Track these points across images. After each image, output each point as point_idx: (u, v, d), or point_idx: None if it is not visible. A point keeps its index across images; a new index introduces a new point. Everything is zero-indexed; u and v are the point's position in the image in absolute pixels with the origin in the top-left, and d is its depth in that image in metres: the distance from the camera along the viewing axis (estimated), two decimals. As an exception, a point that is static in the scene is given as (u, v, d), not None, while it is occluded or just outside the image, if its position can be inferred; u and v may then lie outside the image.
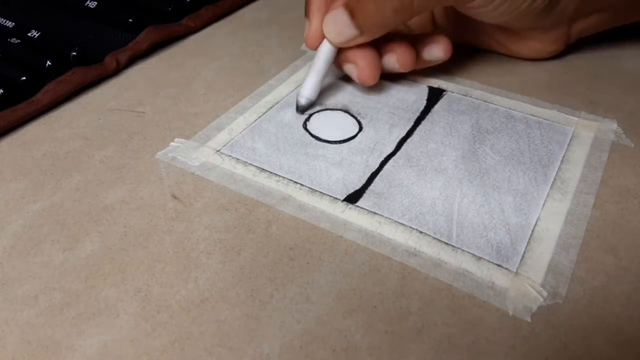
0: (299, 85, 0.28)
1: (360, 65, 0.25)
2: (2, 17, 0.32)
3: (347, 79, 0.28)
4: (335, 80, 0.28)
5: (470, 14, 0.25)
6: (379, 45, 0.25)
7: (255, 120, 0.26)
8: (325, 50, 0.25)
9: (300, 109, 0.26)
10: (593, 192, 0.21)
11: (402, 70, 0.26)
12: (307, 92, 0.25)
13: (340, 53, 0.25)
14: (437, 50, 0.26)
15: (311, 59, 0.30)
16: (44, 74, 0.28)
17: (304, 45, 0.32)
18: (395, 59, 0.25)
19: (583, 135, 0.24)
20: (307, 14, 0.25)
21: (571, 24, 0.27)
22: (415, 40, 0.26)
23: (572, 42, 0.29)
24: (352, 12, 0.23)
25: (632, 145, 0.24)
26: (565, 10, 0.25)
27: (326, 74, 0.26)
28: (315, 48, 0.25)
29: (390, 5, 0.22)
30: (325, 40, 0.25)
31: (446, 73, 0.29)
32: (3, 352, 0.16)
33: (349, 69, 0.25)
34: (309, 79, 0.25)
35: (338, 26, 0.23)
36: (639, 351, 0.16)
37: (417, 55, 0.26)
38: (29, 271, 0.19)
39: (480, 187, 0.22)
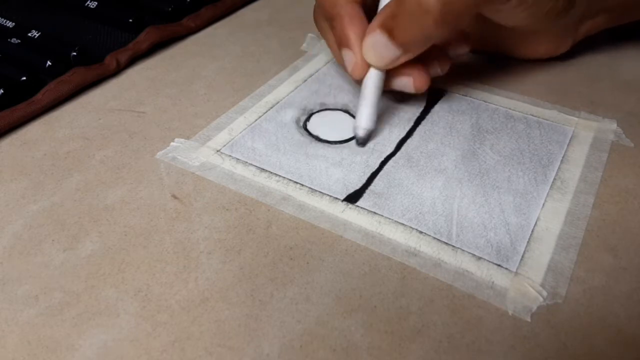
0: (298, 85, 0.28)
1: (416, 76, 0.24)
2: (2, 17, 0.32)
3: (346, 78, 0.28)
4: (336, 80, 0.28)
5: (496, 17, 0.24)
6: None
7: (255, 120, 0.26)
8: (373, 76, 0.23)
9: (361, 142, 0.24)
10: (593, 192, 0.21)
11: (415, 92, 0.25)
12: (364, 122, 0.23)
13: (389, 71, 0.24)
14: (461, 47, 0.26)
15: (311, 58, 0.30)
16: (44, 74, 0.28)
17: (304, 45, 0.32)
18: (412, 82, 0.24)
19: (583, 135, 0.24)
20: (345, 44, 0.23)
21: (579, 25, 0.27)
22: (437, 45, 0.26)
23: (579, 40, 0.29)
24: (390, 33, 0.22)
25: (632, 145, 0.24)
26: (577, 11, 0.25)
27: (379, 100, 0.24)
28: (363, 77, 0.24)
29: (431, 18, 0.21)
30: (371, 67, 0.23)
31: (446, 73, 0.29)
32: (3, 352, 0.16)
33: (402, 83, 0.24)
34: (364, 109, 0.23)
35: (379, 50, 0.22)
36: (639, 351, 0.16)
37: (443, 55, 0.26)
38: (29, 271, 0.19)
39: (480, 187, 0.22)
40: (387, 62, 0.23)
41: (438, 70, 0.25)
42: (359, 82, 0.25)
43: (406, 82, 0.24)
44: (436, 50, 0.25)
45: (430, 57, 0.25)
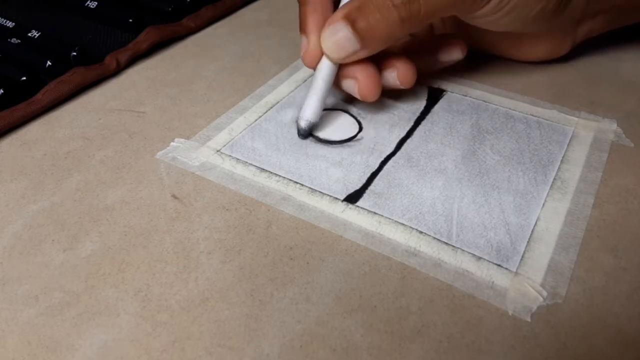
0: (298, 85, 0.28)
1: (360, 80, 0.23)
2: (2, 17, 0.32)
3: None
4: (335, 80, 0.28)
5: (476, 24, 0.24)
6: (377, 60, 0.24)
7: (256, 120, 0.26)
8: (325, 68, 0.23)
9: (302, 133, 0.24)
10: (593, 192, 0.21)
11: (403, 87, 0.24)
12: (308, 113, 0.23)
13: (338, 69, 0.23)
14: (455, 52, 0.26)
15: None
16: (44, 74, 0.28)
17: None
18: (396, 74, 0.24)
19: (583, 136, 0.24)
20: (302, 29, 0.23)
21: (577, 26, 0.27)
22: (429, 44, 0.26)
23: (578, 44, 0.28)
24: (353, 24, 0.21)
25: (632, 145, 0.24)
26: (573, 13, 0.25)
27: (327, 94, 0.23)
28: (314, 66, 0.23)
29: (397, 15, 0.21)
30: (324, 58, 0.23)
31: (446, 73, 0.29)
32: (3, 352, 0.16)
33: (349, 85, 0.24)
34: (309, 100, 0.23)
35: (339, 40, 0.21)
36: (639, 351, 0.16)
37: (434, 57, 0.25)
38: (29, 271, 0.19)
39: (480, 187, 0.22)
40: (344, 55, 0.22)
41: (396, 82, 0.24)
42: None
43: (352, 86, 0.24)
44: (400, 59, 0.24)
45: (389, 65, 0.24)
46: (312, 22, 0.23)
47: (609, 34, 0.30)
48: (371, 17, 0.21)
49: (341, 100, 0.27)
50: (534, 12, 0.23)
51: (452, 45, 0.26)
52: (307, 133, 0.24)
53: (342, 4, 0.23)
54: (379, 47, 0.22)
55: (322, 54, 0.23)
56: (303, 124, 0.24)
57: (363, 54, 0.22)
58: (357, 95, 0.24)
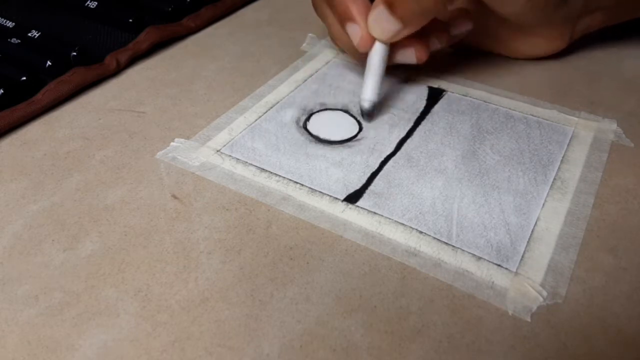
0: (298, 85, 0.28)
1: (417, 46, 0.25)
2: (2, 17, 0.32)
3: (346, 78, 0.28)
4: (336, 80, 0.28)
5: (493, 3, 0.25)
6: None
7: (255, 120, 0.26)
8: (379, 49, 0.25)
9: (366, 113, 0.25)
10: (593, 192, 0.21)
11: (417, 62, 0.26)
12: (369, 94, 0.25)
13: (392, 45, 0.25)
14: (465, 24, 0.27)
15: (311, 58, 0.30)
16: (44, 74, 0.28)
17: (304, 45, 0.32)
18: (414, 52, 0.25)
19: (583, 135, 0.24)
20: (349, 18, 0.24)
21: (576, 22, 0.28)
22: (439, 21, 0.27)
23: (575, 39, 0.29)
24: (391, 7, 0.23)
25: (632, 145, 0.24)
26: (574, 7, 0.26)
27: (384, 73, 0.25)
28: (369, 49, 0.25)
29: None
30: (376, 41, 0.24)
31: (446, 73, 0.29)
32: (3, 352, 0.16)
33: (406, 53, 0.26)
34: (369, 81, 0.25)
35: (381, 23, 0.23)
36: (639, 351, 0.16)
37: (446, 32, 0.26)
38: (29, 271, 0.19)
39: (480, 187, 0.22)
40: (389, 35, 0.24)
41: (437, 45, 0.26)
42: (361, 59, 0.26)
43: (409, 53, 0.25)
44: (434, 27, 0.26)
45: (429, 33, 0.26)
46: (356, 10, 0.24)
47: (609, 34, 0.30)
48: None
49: (341, 100, 0.27)
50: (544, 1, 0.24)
51: (460, 18, 0.27)
52: (371, 113, 0.25)
53: None
54: (419, 24, 0.24)
55: (374, 38, 0.24)
56: (366, 104, 0.25)
57: (407, 32, 0.24)
58: (413, 61, 0.26)
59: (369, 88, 0.25)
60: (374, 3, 0.24)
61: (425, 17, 0.24)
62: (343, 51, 0.30)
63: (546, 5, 0.25)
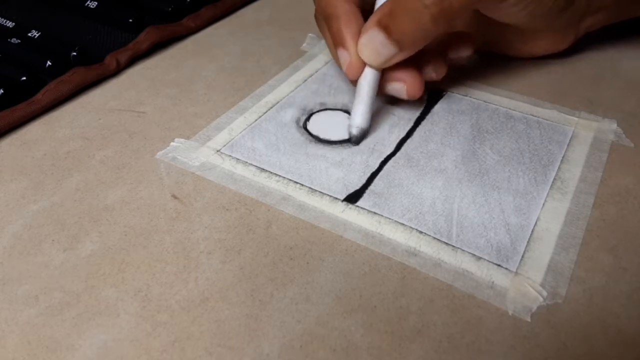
0: (298, 85, 0.28)
1: (408, 81, 0.24)
2: (2, 17, 0.32)
3: (346, 78, 0.28)
4: (336, 80, 0.28)
5: (495, 15, 0.24)
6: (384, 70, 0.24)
7: (256, 120, 0.26)
8: (369, 75, 0.23)
9: (355, 140, 0.24)
10: (593, 192, 0.21)
11: (407, 99, 0.25)
12: (358, 121, 0.23)
13: (383, 75, 0.24)
14: (464, 48, 0.26)
15: (311, 58, 0.30)
16: (44, 74, 0.28)
17: (304, 45, 0.32)
18: (405, 89, 0.24)
19: (583, 135, 0.24)
20: (340, 43, 0.23)
21: (580, 21, 0.27)
22: (439, 43, 0.26)
23: (578, 38, 0.29)
24: (387, 30, 0.22)
25: (632, 145, 0.24)
26: (579, 9, 0.25)
27: (374, 99, 0.24)
28: (357, 77, 0.24)
29: (428, 14, 0.21)
30: (366, 67, 0.23)
31: (444, 75, 0.29)
32: (3, 352, 0.16)
33: (396, 88, 0.24)
34: (357, 108, 0.24)
35: (375, 47, 0.22)
36: (639, 351, 0.16)
37: (444, 56, 0.25)
38: (29, 271, 0.19)
39: (480, 187, 0.22)
40: (383, 60, 0.22)
41: (432, 74, 0.25)
42: (353, 83, 0.25)
43: (399, 88, 0.24)
44: (432, 54, 0.25)
45: (425, 61, 0.25)
46: (348, 35, 0.23)
47: (608, 35, 0.30)
48: (403, 21, 0.21)
49: (341, 100, 0.27)
50: (547, 6, 0.24)
51: (460, 42, 0.26)
52: (360, 139, 0.24)
53: (375, 8, 0.23)
54: (416, 48, 0.23)
55: (364, 64, 0.23)
56: (355, 131, 0.24)
57: (401, 57, 0.23)
58: (405, 96, 0.24)
59: (358, 114, 0.24)
60: (366, 25, 0.22)
61: (424, 39, 0.22)
62: None
63: (549, 13, 0.25)
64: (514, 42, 0.29)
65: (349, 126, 0.24)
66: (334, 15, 0.24)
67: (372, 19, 0.22)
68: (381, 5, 0.22)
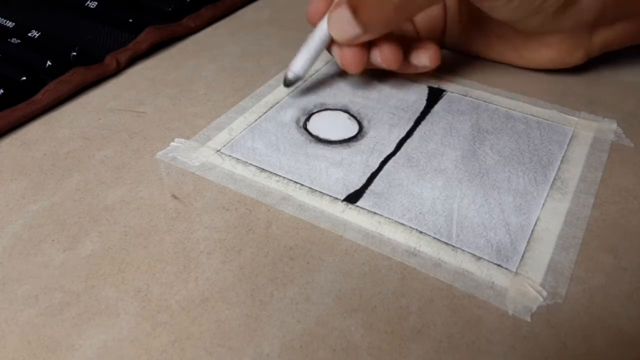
0: (298, 86, 0.28)
1: (344, 50, 0.25)
2: (2, 17, 0.32)
3: (346, 78, 0.28)
4: (336, 80, 0.28)
5: (481, 7, 0.24)
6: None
7: (256, 120, 0.26)
8: (322, 29, 0.25)
9: (287, 83, 0.26)
10: (593, 192, 0.21)
11: (385, 67, 0.25)
12: (297, 67, 0.25)
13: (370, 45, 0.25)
14: (424, 58, 0.26)
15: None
16: (44, 74, 0.28)
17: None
18: (378, 54, 0.25)
19: (583, 135, 0.24)
20: None
21: (593, 32, 0.25)
22: (406, 43, 0.26)
23: (595, 54, 0.26)
24: (355, 9, 0.23)
25: (632, 145, 0.24)
26: (584, 15, 0.24)
27: (319, 54, 0.25)
28: (315, 23, 0.25)
29: (391, 4, 0.22)
30: (324, 20, 0.24)
31: (446, 73, 0.29)
32: (3, 352, 0.16)
33: (335, 52, 0.25)
34: (301, 55, 0.25)
35: (342, 24, 0.23)
36: (639, 351, 0.16)
37: (405, 58, 0.25)
38: (29, 271, 0.19)
39: (480, 187, 0.22)
40: (348, 38, 0.24)
41: (426, 62, 0.26)
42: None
43: (375, 54, 0.25)
44: (424, 41, 0.26)
45: (416, 47, 0.25)
46: None
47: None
48: (370, 5, 0.22)
49: (341, 100, 0.27)
50: (535, 4, 0.23)
51: (423, 50, 0.26)
52: (291, 84, 0.26)
53: None
54: (379, 32, 0.24)
55: (324, 14, 0.24)
56: (290, 75, 0.26)
57: (365, 38, 0.24)
58: (339, 64, 0.25)
59: (299, 61, 0.25)
60: (337, 1, 0.24)
61: (387, 26, 0.23)
62: None
63: (541, 11, 0.23)
64: (516, 52, 0.28)
65: (287, 69, 0.25)
66: None
67: None
68: None
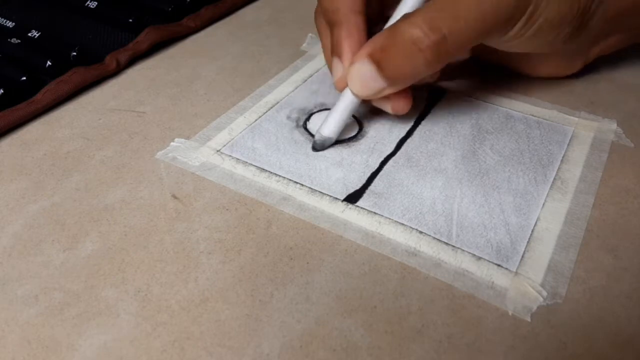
0: (298, 85, 0.28)
1: (393, 97, 0.23)
2: (2, 17, 0.32)
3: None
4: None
5: (497, 47, 0.24)
6: None
7: (256, 120, 0.26)
8: (350, 94, 0.23)
9: (314, 147, 0.24)
10: (593, 192, 0.21)
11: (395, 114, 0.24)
12: (326, 130, 0.23)
13: None
14: (389, 105, 0.24)
15: (311, 58, 0.30)
16: (44, 74, 0.28)
17: (304, 45, 0.32)
18: (390, 105, 0.23)
19: (583, 135, 0.24)
20: (337, 53, 0.23)
21: (592, 46, 0.26)
22: None
23: (590, 61, 0.27)
24: (378, 65, 0.21)
25: (632, 145, 0.24)
26: (589, 36, 0.24)
27: (349, 117, 0.23)
28: (343, 89, 0.23)
29: (422, 57, 0.20)
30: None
31: (446, 73, 0.29)
32: (3, 352, 0.16)
33: (381, 104, 0.24)
34: (332, 117, 0.23)
35: (365, 80, 0.21)
36: (639, 351, 0.16)
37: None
38: (29, 271, 0.19)
39: (480, 187, 0.22)
40: (370, 93, 0.22)
41: (428, 78, 0.25)
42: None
43: (384, 104, 0.24)
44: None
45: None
46: (347, 48, 0.23)
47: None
48: (396, 59, 0.21)
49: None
50: (550, 37, 0.22)
51: (396, 97, 0.23)
52: (320, 147, 0.24)
53: (389, 23, 0.22)
54: (405, 85, 0.22)
55: None
56: (317, 137, 0.24)
57: (390, 91, 0.22)
58: (391, 112, 0.24)
59: (328, 124, 0.23)
60: (358, 54, 0.21)
61: (416, 78, 0.22)
62: None
63: (554, 43, 0.23)
64: (520, 64, 0.28)
65: (317, 131, 0.24)
66: (337, 22, 0.23)
67: (365, 49, 0.21)
68: (375, 37, 0.21)
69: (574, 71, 0.28)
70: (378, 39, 0.21)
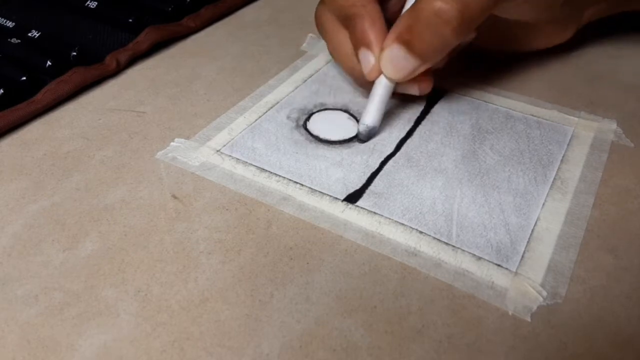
0: (298, 85, 0.28)
1: (419, 78, 0.24)
2: (2, 17, 0.32)
3: (346, 78, 0.28)
4: (336, 80, 0.28)
5: (503, 13, 0.24)
6: None
7: (256, 120, 0.26)
8: (385, 80, 0.23)
9: (362, 138, 0.24)
10: (593, 192, 0.21)
11: (419, 94, 0.25)
12: (369, 120, 0.24)
13: None
14: (412, 87, 0.25)
15: (311, 58, 0.30)
16: (44, 74, 0.28)
17: (304, 45, 0.32)
18: (417, 87, 0.24)
19: (583, 135, 0.24)
20: (365, 44, 0.23)
21: (583, 11, 0.27)
22: None
23: (579, 28, 0.28)
24: (408, 45, 0.21)
25: (632, 145, 0.24)
26: (582, 2, 0.25)
27: (387, 102, 0.24)
28: (374, 78, 0.24)
29: (449, 27, 0.21)
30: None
31: (446, 73, 0.29)
32: (3, 352, 0.16)
33: (408, 88, 0.24)
34: (371, 107, 0.24)
35: (398, 63, 0.22)
36: (639, 351, 0.16)
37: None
38: (29, 271, 0.19)
39: (480, 187, 0.22)
40: (406, 74, 0.22)
41: (438, 64, 0.25)
42: (366, 86, 0.25)
43: (411, 87, 0.24)
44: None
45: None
46: (374, 36, 0.23)
47: (610, 33, 0.30)
48: (424, 35, 0.21)
49: (341, 101, 0.27)
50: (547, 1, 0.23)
51: (422, 78, 0.24)
52: (366, 137, 0.24)
53: (404, 10, 0.22)
54: (438, 58, 0.23)
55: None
56: (362, 128, 0.24)
57: (424, 68, 0.22)
58: (418, 93, 0.25)
59: (370, 114, 0.24)
60: (385, 41, 0.22)
61: (445, 51, 0.22)
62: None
63: (554, 6, 0.24)
64: (515, 37, 0.28)
65: (360, 123, 0.24)
66: (357, 15, 0.23)
67: (392, 34, 0.22)
68: (399, 20, 0.22)
69: (568, 38, 0.28)
70: (402, 21, 0.22)
